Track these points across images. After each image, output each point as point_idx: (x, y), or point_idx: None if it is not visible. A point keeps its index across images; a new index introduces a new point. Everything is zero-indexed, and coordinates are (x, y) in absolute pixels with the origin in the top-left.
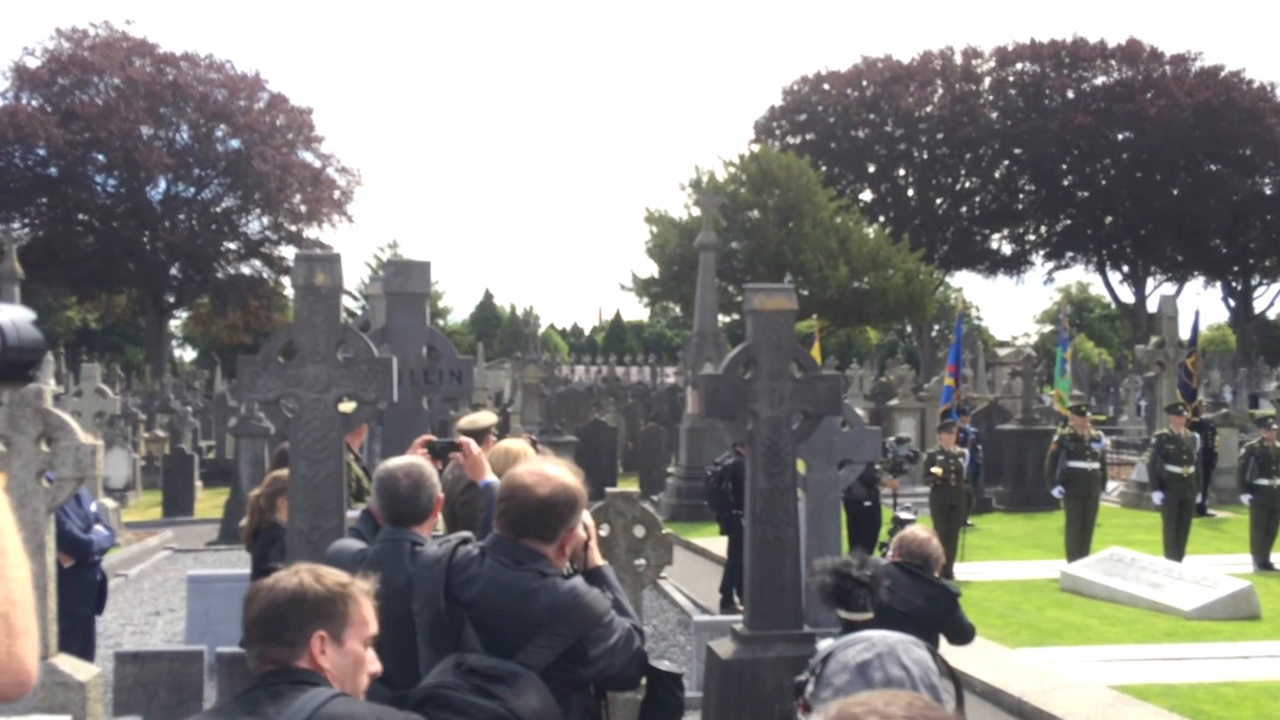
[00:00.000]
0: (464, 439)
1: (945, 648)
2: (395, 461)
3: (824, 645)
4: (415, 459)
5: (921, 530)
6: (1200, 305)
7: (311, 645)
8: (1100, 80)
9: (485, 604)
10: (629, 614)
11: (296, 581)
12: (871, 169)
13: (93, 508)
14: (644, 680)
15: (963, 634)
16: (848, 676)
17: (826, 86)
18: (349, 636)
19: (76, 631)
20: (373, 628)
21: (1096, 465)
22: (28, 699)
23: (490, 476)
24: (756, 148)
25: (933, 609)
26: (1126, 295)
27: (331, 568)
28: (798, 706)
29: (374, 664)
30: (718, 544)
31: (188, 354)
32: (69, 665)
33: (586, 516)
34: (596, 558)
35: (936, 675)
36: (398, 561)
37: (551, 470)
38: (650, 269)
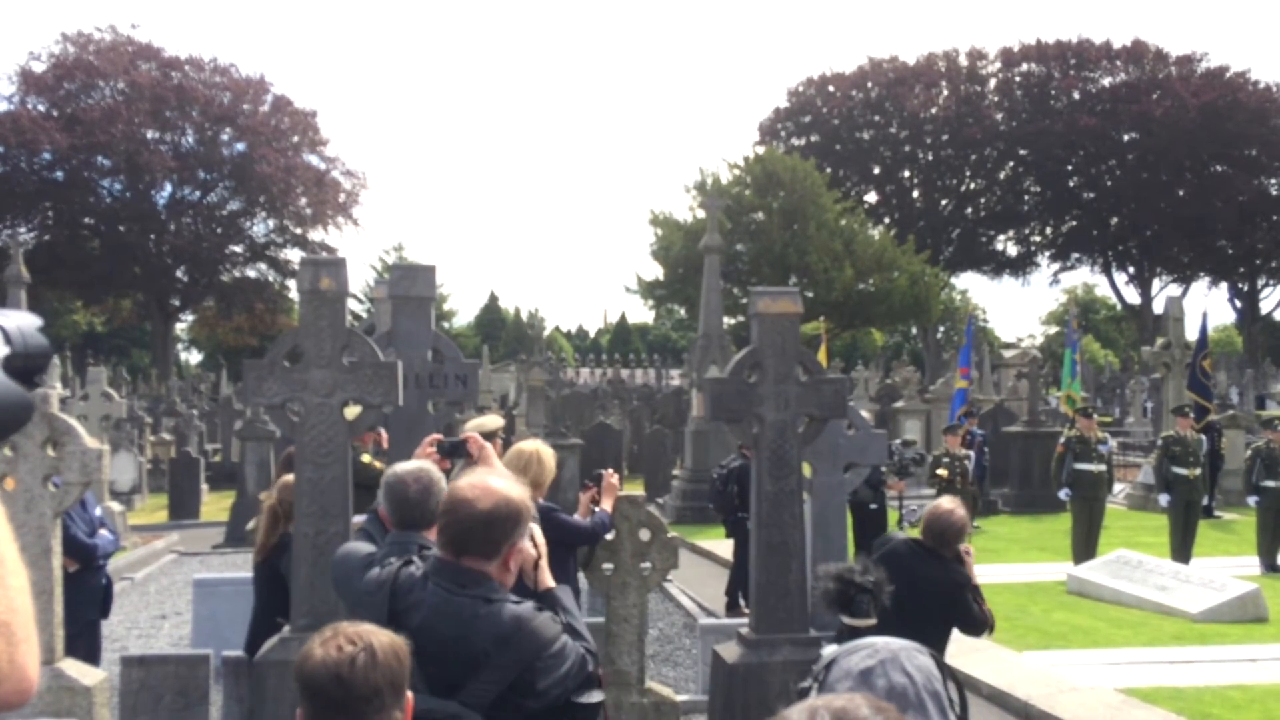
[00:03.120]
0: (470, 434)
1: (951, 648)
2: (404, 466)
3: (827, 652)
4: (424, 464)
5: (946, 501)
6: (1206, 306)
7: None
8: (1106, 81)
9: (428, 633)
10: (583, 637)
11: None
12: (876, 170)
13: (97, 512)
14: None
15: (971, 624)
16: (850, 684)
17: (831, 88)
18: None
19: (82, 636)
20: None
21: (1103, 467)
22: (34, 704)
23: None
24: (761, 150)
25: (937, 592)
26: (1132, 296)
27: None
28: None
29: None
30: (723, 547)
31: (193, 357)
32: (75, 670)
33: (537, 533)
34: (547, 579)
35: (940, 682)
36: None
37: (494, 483)
38: (655, 271)
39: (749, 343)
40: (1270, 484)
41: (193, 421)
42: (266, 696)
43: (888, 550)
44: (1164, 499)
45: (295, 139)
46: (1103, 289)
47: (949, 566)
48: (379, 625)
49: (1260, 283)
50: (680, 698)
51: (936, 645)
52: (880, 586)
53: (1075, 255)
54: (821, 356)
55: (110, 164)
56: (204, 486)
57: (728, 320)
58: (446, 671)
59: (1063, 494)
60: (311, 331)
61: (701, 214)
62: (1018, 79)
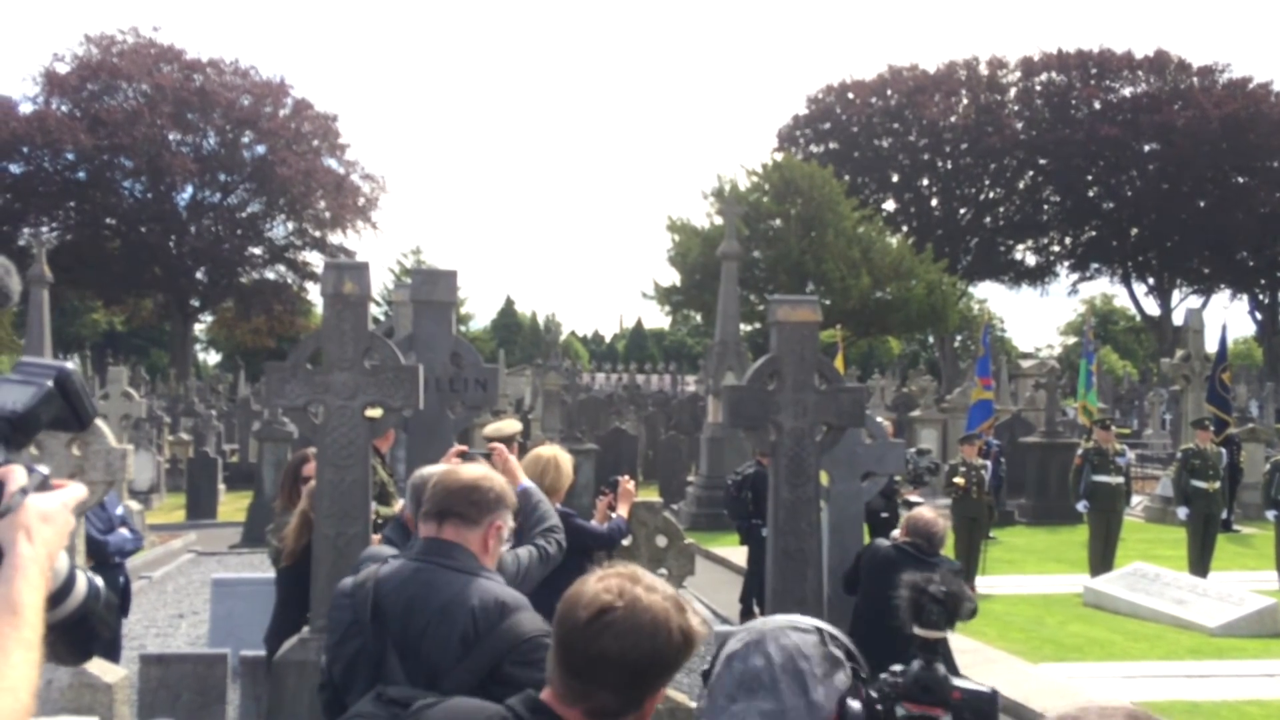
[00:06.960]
0: (496, 445)
1: (965, 659)
2: (430, 469)
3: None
4: (450, 467)
5: (928, 510)
6: (1226, 319)
7: None
8: (1127, 91)
9: (412, 610)
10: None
11: None
12: (895, 178)
13: (119, 510)
14: None
15: None
16: (719, 669)
17: (851, 95)
18: None
19: None
20: None
21: (1121, 479)
22: (56, 700)
23: (525, 481)
24: (780, 156)
25: None
26: (1152, 308)
27: None
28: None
29: None
30: (738, 553)
31: (212, 358)
32: (97, 667)
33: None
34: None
35: (809, 659)
36: None
37: (473, 466)
38: (672, 277)
39: (765, 350)
40: None
41: (211, 422)
42: (285, 696)
43: (880, 557)
44: (1182, 512)
45: (315, 143)
46: (1122, 300)
47: (940, 559)
48: (359, 624)
49: None
50: (695, 704)
51: None
52: (956, 599)
53: (1094, 265)
54: (838, 364)
55: (132, 165)
56: (221, 487)
57: (744, 326)
58: (423, 658)
59: (1080, 506)
60: (334, 335)
61: (719, 220)
62: (1038, 88)
